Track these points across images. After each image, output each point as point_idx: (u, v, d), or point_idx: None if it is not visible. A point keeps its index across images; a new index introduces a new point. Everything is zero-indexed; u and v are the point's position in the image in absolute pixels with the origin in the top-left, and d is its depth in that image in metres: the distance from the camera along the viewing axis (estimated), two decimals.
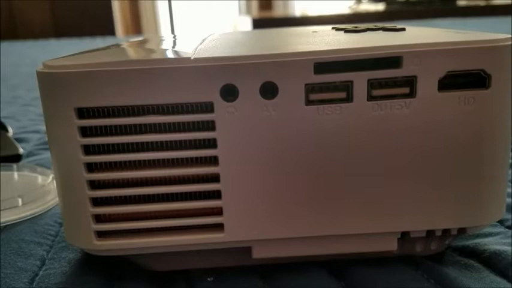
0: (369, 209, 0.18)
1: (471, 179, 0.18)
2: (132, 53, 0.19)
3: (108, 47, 0.22)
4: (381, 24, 0.26)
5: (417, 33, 0.19)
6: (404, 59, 0.17)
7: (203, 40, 0.21)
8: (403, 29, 0.21)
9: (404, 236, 0.19)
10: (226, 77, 0.17)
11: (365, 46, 0.17)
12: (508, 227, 0.22)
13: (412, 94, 0.17)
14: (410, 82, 0.17)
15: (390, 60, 0.17)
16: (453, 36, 0.18)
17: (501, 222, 0.22)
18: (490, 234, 0.21)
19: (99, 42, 1.31)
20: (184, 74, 0.17)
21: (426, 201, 0.18)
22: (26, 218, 0.24)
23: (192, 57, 0.17)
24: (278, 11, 2.79)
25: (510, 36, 0.17)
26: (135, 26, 2.38)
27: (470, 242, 0.21)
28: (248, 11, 2.76)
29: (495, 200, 0.18)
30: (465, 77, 0.17)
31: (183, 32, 2.40)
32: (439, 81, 0.17)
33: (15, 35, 1.99)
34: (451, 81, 0.17)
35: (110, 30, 2.15)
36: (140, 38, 0.29)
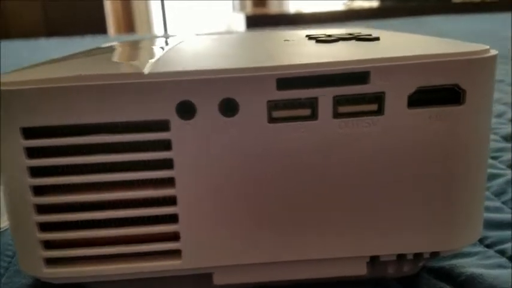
0: (335, 233, 0.17)
1: (444, 201, 0.17)
2: (87, 66, 0.17)
3: (70, 56, 0.21)
4: (357, 31, 0.25)
5: (390, 44, 0.18)
6: (371, 74, 0.15)
7: (167, 49, 0.20)
8: (377, 39, 0.20)
9: (374, 260, 0.18)
10: (182, 94, 0.16)
11: (330, 61, 0.16)
12: (487, 246, 0.21)
13: (380, 111, 0.16)
14: (378, 98, 0.16)
15: (357, 75, 0.16)
16: (427, 47, 0.17)
17: (481, 240, 0.21)
18: (469, 254, 0.20)
19: (89, 41, 1.30)
20: (137, 90, 0.15)
21: (396, 224, 0.17)
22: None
23: (146, 72, 0.15)
24: (272, 8, 2.78)
25: (487, 47, 0.16)
26: (128, 24, 2.36)
27: (446, 263, 0.20)
28: (242, 8, 2.74)
29: (470, 221, 0.17)
30: (437, 93, 0.16)
31: (175, 31, 2.38)
32: (408, 97, 0.16)
33: (7, 34, 1.97)
34: (422, 97, 0.16)
35: (102, 29, 2.12)
36: (111, 44, 0.28)
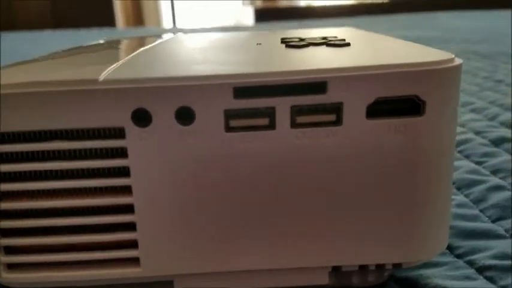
0: (294, 243, 0.17)
1: (405, 212, 0.17)
2: (49, 70, 0.17)
3: (39, 58, 0.21)
4: (333, 34, 0.24)
5: (357, 51, 0.18)
6: (329, 84, 0.15)
7: (136, 52, 0.20)
8: (348, 44, 0.19)
9: (336, 269, 0.18)
10: (137, 101, 0.15)
11: (288, 70, 0.15)
12: (457, 256, 0.21)
13: (338, 121, 0.16)
14: (336, 109, 0.16)
15: (314, 85, 0.15)
16: (393, 56, 0.16)
17: (451, 250, 0.21)
18: (437, 264, 0.20)
19: (95, 34, 1.30)
20: (91, 97, 0.15)
21: (356, 235, 0.17)
22: None
23: (100, 79, 0.15)
24: (282, 1, 2.76)
25: (452, 57, 0.16)
26: (137, 16, 2.36)
27: (413, 273, 0.19)
28: (252, 1, 2.73)
29: (433, 234, 0.17)
30: (397, 103, 0.16)
31: (184, 24, 2.38)
32: (367, 108, 0.15)
33: (14, 26, 1.98)
34: (381, 108, 0.16)
35: (110, 21, 2.13)
36: (97, 42, 0.28)
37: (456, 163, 0.30)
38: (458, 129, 0.37)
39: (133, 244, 0.17)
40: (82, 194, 0.17)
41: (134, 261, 0.17)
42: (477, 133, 0.36)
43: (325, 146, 0.16)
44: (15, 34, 1.47)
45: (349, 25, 1.24)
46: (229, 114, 0.16)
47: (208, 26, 1.37)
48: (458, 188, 0.27)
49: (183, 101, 0.15)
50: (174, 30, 1.32)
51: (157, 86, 0.15)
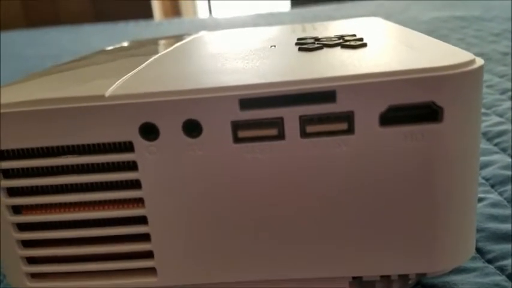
0: (311, 253, 0.16)
1: (425, 222, 0.16)
2: (55, 86, 0.17)
3: (47, 71, 0.21)
4: (354, 30, 0.24)
5: (373, 54, 0.17)
6: (337, 93, 0.15)
7: (145, 64, 0.20)
8: (364, 45, 0.19)
9: (356, 279, 0.17)
10: (143, 115, 0.15)
11: (296, 79, 0.15)
12: (488, 261, 0.20)
13: (350, 130, 0.15)
14: (347, 117, 0.15)
15: (323, 94, 0.15)
16: (408, 59, 0.16)
17: (482, 254, 0.20)
18: (465, 270, 0.19)
19: (132, 27, 1.32)
20: (98, 113, 0.15)
21: (375, 246, 0.16)
22: None
23: (107, 95, 0.15)
24: None
25: (472, 58, 0.15)
26: (174, 8, 2.38)
27: (441, 280, 0.19)
28: None
29: (458, 242, 0.16)
30: (413, 110, 0.15)
31: (220, 13, 2.38)
32: (380, 115, 0.15)
33: (56, 20, 2.03)
34: (396, 115, 0.15)
35: (148, 14, 2.16)
36: (110, 48, 0.28)
37: (491, 157, 0.29)
38: (496, 119, 0.35)
39: (149, 254, 0.17)
40: (97, 205, 0.17)
41: (151, 271, 0.17)
42: None
43: (337, 156, 0.15)
44: (58, 28, 1.51)
45: (388, 5, 1.20)
46: (237, 126, 0.15)
47: (243, 15, 1.37)
48: (492, 186, 0.25)
49: (189, 114, 0.15)
50: (209, 20, 1.32)
51: (163, 100, 0.15)
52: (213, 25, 1.19)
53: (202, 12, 2.43)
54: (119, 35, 1.17)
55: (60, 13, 2.10)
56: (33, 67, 0.82)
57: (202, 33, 0.31)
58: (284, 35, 0.25)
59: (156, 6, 2.24)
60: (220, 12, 2.42)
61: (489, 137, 0.32)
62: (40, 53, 1.00)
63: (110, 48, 0.29)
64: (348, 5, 1.32)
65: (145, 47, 0.26)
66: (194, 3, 2.40)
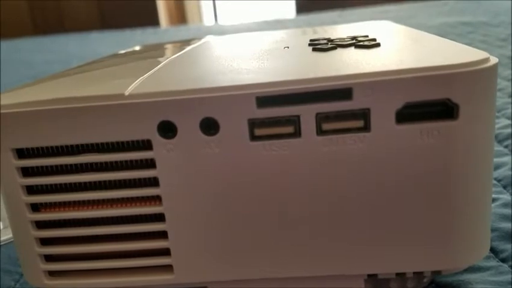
0: (326, 250, 0.16)
1: (441, 219, 0.16)
2: (75, 86, 0.18)
3: (65, 73, 0.21)
4: (366, 32, 0.24)
5: (388, 53, 0.17)
6: (354, 90, 0.15)
7: (162, 63, 0.20)
8: (378, 45, 0.19)
9: (371, 276, 0.17)
10: (162, 114, 0.16)
11: (312, 77, 0.15)
12: (502, 260, 0.20)
13: (366, 128, 0.15)
14: (363, 115, 0.15)
15: (339, 92, 0.15)
16: (423, 58, 0.16)
17: (496, 253, 0.20)
18: (480, 269, 0.19)
19: (139, 34, 1.33)
20: (118, 111, 0.16)
21: (391, 243, 0.16)
22: (4, 242, 0.24)
23: (126, 93, 0.16)
24: None
25: (486, 56, 0.15)
26: (180, 15, 2.39)
27: (455, 279, 0.19)
28: None
29: (473, 239, 0.16)
30: (428, 107, 0.15)
31: (225, 20, 2.39)
32: (396, 112, 0.15)
33: (62, 27, 2.05)
34: (412, 112, 0.15)
35: (154, 21, 2.17)
36: (124, 51, 0.29)
37: (502, 159, 0.29)
38: (505, 122, 0.35)
39: (166, 252, 0.17)
40: (115, 203, 0.17)
41: (168, 268, 0.17)
42: None
43: (353, 153, 0.15)
44: (64, 36, 1.53)
45: (395, 11, 1.20)
46: (254, 123, 0.15)
47: (249, 22, 1.37)
48: (504, 187, 0.26)
49: (206, 112, 0.15)
50: (216, 27, 1.33)
51: (181, 99, 0.15)
52: (219, 32, 1.19)
53: (207, 20, 2.44)
54: (126, 41, 1.18)
55: (66, 20, 2.12)
56: (41, 73, 0.83)
57: (212, 37, 0.31)
58: (296, 37, 0.25)
59: (162, 14, 2.25)
60: (226, 19, 2.43)
61: (499, 140, 0.32)
62: (48, 59, 1.00)
63: (122, 51, 0.29)
64: (354, 11, 1.32)
65: (158, 50, 0.26)
66: (200, 11, 2.41)
